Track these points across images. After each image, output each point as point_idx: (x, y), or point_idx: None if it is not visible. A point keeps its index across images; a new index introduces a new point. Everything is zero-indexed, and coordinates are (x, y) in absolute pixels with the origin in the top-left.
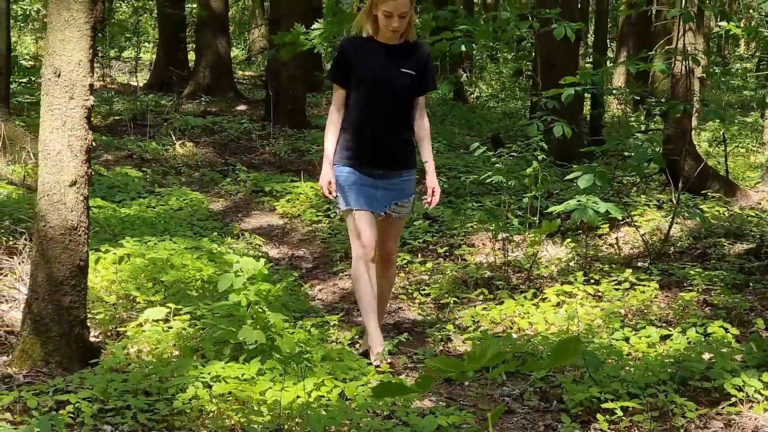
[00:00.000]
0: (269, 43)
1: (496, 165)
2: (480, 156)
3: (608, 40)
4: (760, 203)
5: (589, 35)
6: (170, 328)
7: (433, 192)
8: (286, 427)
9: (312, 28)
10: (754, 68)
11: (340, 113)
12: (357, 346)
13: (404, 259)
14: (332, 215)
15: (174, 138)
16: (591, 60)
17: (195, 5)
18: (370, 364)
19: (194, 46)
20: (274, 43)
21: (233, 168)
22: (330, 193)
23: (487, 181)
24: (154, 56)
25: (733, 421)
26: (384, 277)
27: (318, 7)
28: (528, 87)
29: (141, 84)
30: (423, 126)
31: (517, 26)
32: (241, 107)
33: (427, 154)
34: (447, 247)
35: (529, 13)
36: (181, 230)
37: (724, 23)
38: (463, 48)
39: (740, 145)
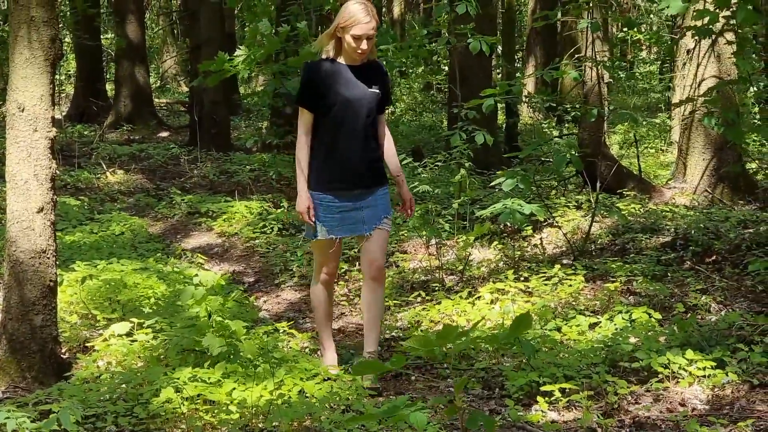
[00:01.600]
0: (192, 71)
1: (423, 175)
2: (404, 167)
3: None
4: (673, 199)
5: (498, 47)
6: (134, 341)
7: (410, 203)
8: (253, 423)
9: (235, 54)
10: (658, 71)
11: (308, 137)
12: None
13: (342, 267)
14: (268, 231)
15: (105, 166)
16: (500, 71)
17: (111, 36)
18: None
19: (113, 77)
20: (197, 71)
21: (167, 192)
22: (310, 219)
23: (414, 190)
24: (73, 88)
25: (661, 396)
26: (376, 293)
27: (231, 33)
28: (440, 100)
29: (60, 116)
30: (390, 141)
31: (432, 42)
32: (164, 134)
33: (396, 167)
34: None
35: (445, 29)
36: (126, 253)
37: (627, 29)
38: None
39: (650, 146)
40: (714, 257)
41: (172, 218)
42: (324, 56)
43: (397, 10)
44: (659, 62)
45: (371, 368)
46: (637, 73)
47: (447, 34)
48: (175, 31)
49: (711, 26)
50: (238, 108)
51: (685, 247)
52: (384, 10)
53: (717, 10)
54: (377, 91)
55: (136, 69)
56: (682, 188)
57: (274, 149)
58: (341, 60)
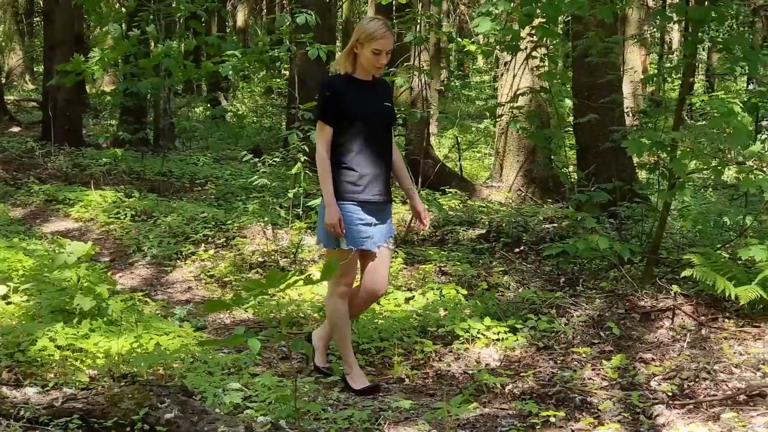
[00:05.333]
0: (46, 70)
1: (261, 170)
2: (245, 164)
3: None
4: (489, 196)
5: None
6: (10, 303)
7: (424, 215)
8: (116, 368)
9: (90, 56)
10: (492, 80)
11: (329, 152)
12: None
13: (189, 248)
14: (122, 217)
15: None
16: None
17: None
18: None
19: None
20: (51, 70)
21: (25, 182)
22: (341, 231)
23: (254, 184)
24: None
25: (461, 355)
26: (360, 310)
27: (80, 35)
28: (280, 103)
29: None
30: (399, 155)
31: (275, 49)
32: (15, 129)
33: (407, 180)
34: (224, 239)
35: (287, 38)
36: None
37: (460, 40)
38: (231, 71)
39: (478, 150)
40: (522, 247)
41: (30, 205)
42: (341, 73)
43: (241, 18)
44: (492, 72)
45: (219, 306)
46: (471, 83)
47: (288, 42)
48: (22, 30)
49: (517, 42)
50: (86, 106)
51: (497, 238)
52: (228, 16)
53: (519, 29)
54: (390, 104)
55: None
56: (498, 187)
57: (125, 145)
58: (357, 76)
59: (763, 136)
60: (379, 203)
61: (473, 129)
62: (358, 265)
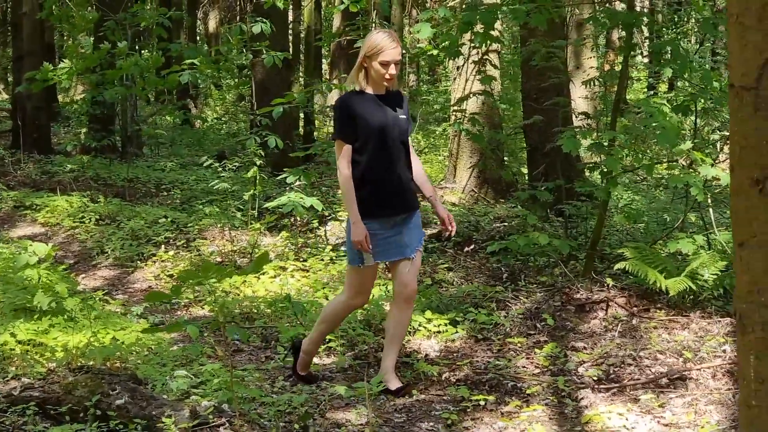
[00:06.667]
0: (15, 79)
1: (222, 174)
2: (208, 169)
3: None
4: (443, 197)
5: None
6: None
7: (450, 220)
8: (74, 361)
9: (59, 66)
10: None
11: (350, 169)
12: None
13: (150, 250)
14: (87, 221)
15: None
16: (303, 83)
17: None
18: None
19: None
20: (20, 79)
21: None
22: (368, 247)
23: (215, 188)
24: None
25: (403, 346)
26: (405, 313)
27: (51, 44)
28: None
29: None
30: (419, 164)
31: (237, 57)
32: None
33: (429, 188)
34: (185, 241)
35: (240, 46)
36: None
37: (423, 46)
38: (189, 79)
39: (440, 152)
40: (473, 246)
41: None
42: (356, 88)
43: (212, 24)
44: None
45: (160, 297)
46: (440, 87)
47: (244, 51)
48: None
49: (458, 48)
50: (58, 115)
51: (449, 237)
52: (199, 23)
53: (459, 35)
54: (405, 117)
55: None
56: (452, 188)
57: (92, 152)
58: (369, 90)
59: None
60: (404, 214)
61: (436, 132)
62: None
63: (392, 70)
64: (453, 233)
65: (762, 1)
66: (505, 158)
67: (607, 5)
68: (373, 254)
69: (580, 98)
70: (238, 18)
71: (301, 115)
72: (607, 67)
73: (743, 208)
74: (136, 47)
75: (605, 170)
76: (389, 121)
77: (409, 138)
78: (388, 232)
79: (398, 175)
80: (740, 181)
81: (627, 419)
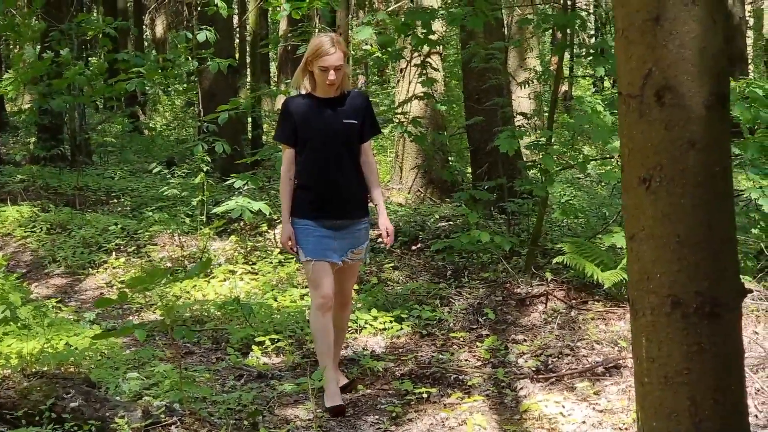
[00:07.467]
0: None
1: (171, 181)
2: (157, 176)
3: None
4: (389, 198)
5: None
6: None
7: (388, 232)
8: (28, 367)
9: (4, 77)
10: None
11: (291, 171)
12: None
13: (101, 257)
14: (38, 230)
15: None
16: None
17: None
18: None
19: None
20: None
21: None
22: (291, 248)
23: (165, 194)
24: None
25: (349, 344)
26: (342, 315)
27: None
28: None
29: None
30: (372, 170)
31: (184, 64)
32: None
33: (377, 197)
34: (135, 247)
35: (185, 53)
36: None
37: (370, 47)
38: (136, 86)
39: (389, 154)
40: (419, 245)
41: None
42: (302, 92)
43: (159, 29)
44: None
45: (107, 302)
46: (388, 88)
47: (189, 58)
48: None
49: (397, 50)
50: (6, 125)
51: (396, 237)
52: (146, 28)
53: (396, 37)
54: (354, 121)
55: None
56: (399, 188)
57: (42, 161)
58: (318, 93)
59: None
60: (341, 220)
61: (383, 133)
62: (332, 275)
63: (331, 75)
64: (389, 246)
65: (643, 17)
66: (451, 158)
67: (545, 6)
68: (304, 250)
69: (522, 98)
70: (185, 23)
71: (249, 119)
72: (553, 67)
73: (632, 205)
74: (84, 56)
75: (543, 168)
76: (331, 126)
77: (369, 143)
78: (322, 231)
79: (335, 181)
80: (629, 179)
81: (564, 407)
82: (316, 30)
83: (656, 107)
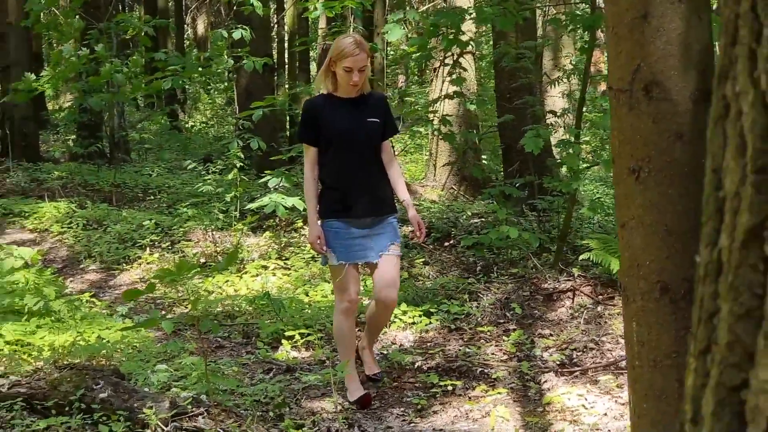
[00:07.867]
0: (2, 90)
1: (207, 177)
2: (192, 172)
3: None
4: (423, 194)
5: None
6: None
7: (419, 225)
8: (61, 360)
9: (41, 75)
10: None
11: (314, 171)
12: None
13: (136, 253)
14: (74, 226)
15: None
16: (288, 87)
17: None
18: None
19: None
20: (6, 89)
21: None
22: (321, 248)
23: (200, 190)
24: None
25: (379, 338)
26: (384, 313)
27: (39, 53)
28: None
29: None
30: (395, 168)
31: (221, 62)
32: None
33: (403, 192)
34: (169, 243)
35: (224, 52)
36: None
37: (406, 48)
38: (171, 84)
39: (425, 152)
40: (451, 241)
41: None
42: (324, 92)
43: (201, 28)
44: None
45: (137, 293)
46: (426, 88)
47: (227, 57)
48: None
49: (428, 51)
50: (47, 123)
51: (429, 234)
52: (187, 27)
53: (428, 38)
54: (376, 120)
55: None
56: (432, 186)
57: (80, 159)
58: (339, 94)
59: None
60: (369, 218)
61: (420, 132)
62: (359, 280)
63: (355, 76)
64: (422, 238)
65: (632, 15)
66: (484, 156)
67: (576, 3)
68: (337, 255)
69: (555, 96)
70: (225, 23)
71: (287, 117)
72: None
73: (623, 194)
74: (123, 54)
75: (569, 165)
76: (354, 125)
77: (389, 142)
78: (353, 232)
79: (361, 180)
80: (620, 170)
81: (586, 399)
82: (350, 29)
83: (644, 101)
